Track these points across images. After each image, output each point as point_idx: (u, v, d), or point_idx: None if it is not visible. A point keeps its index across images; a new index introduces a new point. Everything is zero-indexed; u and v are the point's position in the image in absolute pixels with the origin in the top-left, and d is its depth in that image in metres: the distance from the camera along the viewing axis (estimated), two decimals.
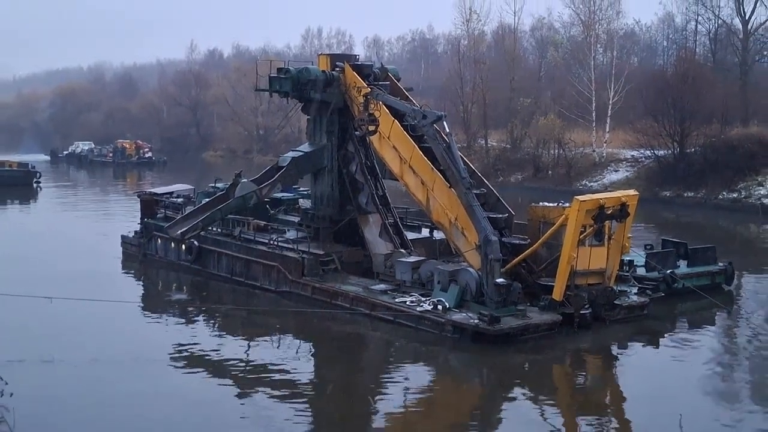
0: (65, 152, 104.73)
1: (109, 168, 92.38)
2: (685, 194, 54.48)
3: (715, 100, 58.58)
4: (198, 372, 21.11)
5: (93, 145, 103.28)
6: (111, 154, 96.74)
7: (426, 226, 31.03)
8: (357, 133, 28.58)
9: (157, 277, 32.94)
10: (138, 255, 35.01)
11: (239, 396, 19.41)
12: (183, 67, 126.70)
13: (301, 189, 35.95)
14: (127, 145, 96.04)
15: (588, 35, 71.93)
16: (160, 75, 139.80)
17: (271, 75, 30.81)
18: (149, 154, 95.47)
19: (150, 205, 36.25)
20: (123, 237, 36.51)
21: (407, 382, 20.54)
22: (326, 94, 29.38)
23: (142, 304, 28.76)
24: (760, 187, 52.45)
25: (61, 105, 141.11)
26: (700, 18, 78.89)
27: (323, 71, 29.62)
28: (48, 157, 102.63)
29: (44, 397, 17.74)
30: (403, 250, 28.23)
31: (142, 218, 36.02)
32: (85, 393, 19.00)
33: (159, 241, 33.60)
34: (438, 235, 29.12)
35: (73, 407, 18.02)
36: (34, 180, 69.40)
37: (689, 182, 54.74)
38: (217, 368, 21.31)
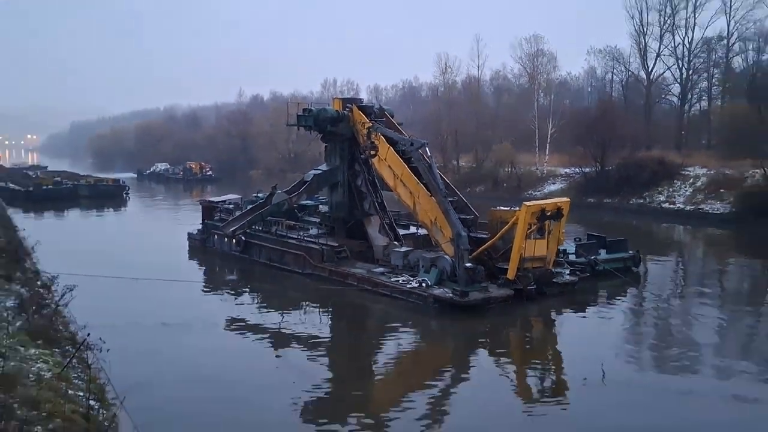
0: (148, 171, 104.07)
1: (180, 183, 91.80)
2: (605, 201, 54.42)
3: (626, 131, 58.55)
4: (245, 333, 21.04)
5: (168, 166, 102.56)
6: (181, 173, 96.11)
7: (413, 225, 30.88)
8: (362, 156, 28.61)
9: (214, 264, 32.69)
10: (200, 247, 34.84)
11: (276, 350, 19.43)
12: (233, 108, 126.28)
13: (320, 198, 35.84)
14: (194, 166, 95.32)
15: (532, 84, 72.10)
16: (216, 114, 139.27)
17: (298, 114, 30.71)
18: (210, 173, 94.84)
19: (209, 210, 36.10)
20: (189, 234, 36.31)
21: (400, 341, 20.49)
22: (339, 128, 29.32)
23: (203, 283, 28.70)
24: (660, 195, 52.50)
25: (142, 136, 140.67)
26: (615, 70, 79.16)
27: (336, 111, 29.56)
28: (135, 175, 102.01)
29: (132, 352, 17.46)
30: (396, 243, 28.19)
31: (203, 220, 35.87)
32: (163, 349, 18.86)
33: (216, 236, 33.43)
34: (422, 231, 29.03)
35: (155, 359, 17.87)
36: (124, 192, 69.07)
37: (608, 192, 54.69)
38: (259, 330, 21.21)
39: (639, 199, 53.07)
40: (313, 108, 30.04)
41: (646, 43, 70.33)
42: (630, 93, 76.20)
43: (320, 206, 34.48)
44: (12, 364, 11.40)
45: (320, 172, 30.57)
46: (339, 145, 29.92)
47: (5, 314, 15.43)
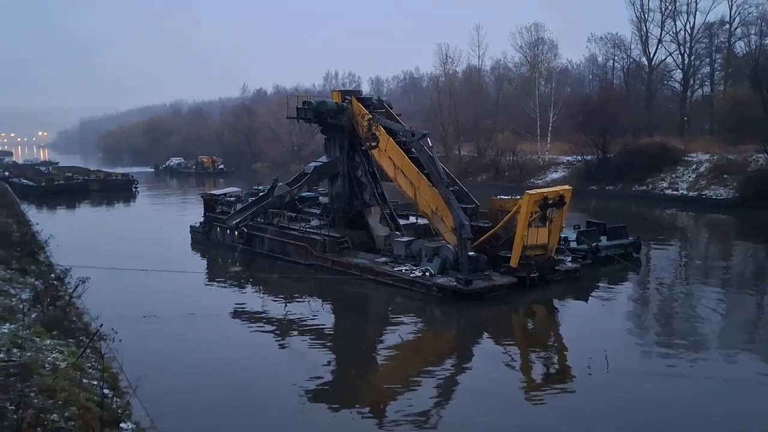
0: (163, 166, 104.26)
1: (192, 177, 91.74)
2: (607, 188, 54.53)
3: (627, 118, 58.70)
4: (251, 322, 21.29)
5: (182, 160, 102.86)
6: (194, 167, 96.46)
7: (413, 215, 30.96)
8: (362, 147, 28.69)
9: (217, 255, 32.79)
10: (203, 239, 34.84)
11: (281, 339, 19.63)
12: (238, 102, 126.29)
13: (320, 189, 35.97)
14: (206, 160, 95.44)
15: (533, 72, 72.08)
16: (221, 108, 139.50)
17: (298, 107, 30.80)
18: (221, 166, 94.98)
19: (210, 203, 36.21)
20: (191, 227, 36.37)
21: (404, 329, 20.60)
22: (339, 120, 29.38)
23: (208, 275, 28.99)
24: (663, 182, 52.58)
25: (150, 132, 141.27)
26: (616, 57, 79.22)
27: (336, 103, 29.62)
28: (152, 170, 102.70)
29: (144, 341, 17.65)
30: (398, 233, 28.37)
31: (204, 212, 35.98)
32: (173, 338, 19.12)
33: (218, 229, 33.62)
34: (421, 221, 29.17)
35: (165, 348, 18.12)
36: (133, 186, 69.31)
37: (610, 179, 54.80)
38: (264, 320, 21.47)
39: (641, 185, 53.11)
40: (312, 101, 30.14)
41: (647, 30, 70.32)
42: (631, 80, 76.11)
43: (321, 198, 34.63)
44: (28, 354, 11.73)
45: (320, 164, 30.70)
46: (339, 136, 30.03)
47: (21, 306, 15.82)
